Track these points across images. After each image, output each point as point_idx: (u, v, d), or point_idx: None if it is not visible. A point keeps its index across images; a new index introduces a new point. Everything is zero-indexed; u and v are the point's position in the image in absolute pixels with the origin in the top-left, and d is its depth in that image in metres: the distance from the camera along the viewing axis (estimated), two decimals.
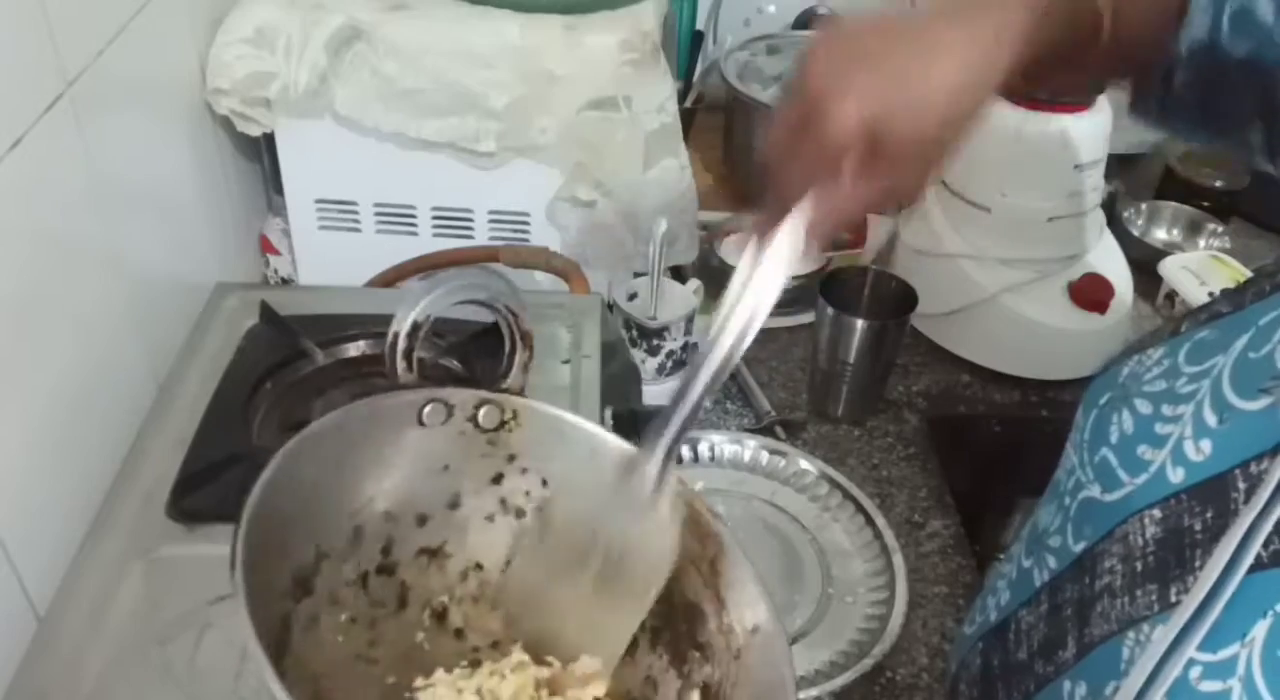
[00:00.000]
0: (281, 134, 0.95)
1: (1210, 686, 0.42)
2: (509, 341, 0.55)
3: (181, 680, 0.60)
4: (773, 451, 0.95)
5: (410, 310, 0.50)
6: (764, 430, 0.98)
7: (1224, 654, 0.42)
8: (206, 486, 0.70)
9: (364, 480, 0.51)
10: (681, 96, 1.30)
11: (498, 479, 0.54)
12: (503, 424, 0.54)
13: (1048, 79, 0.56)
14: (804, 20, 1.39)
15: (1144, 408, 0.51)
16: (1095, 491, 0.53)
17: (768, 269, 0.52)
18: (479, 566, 0.55)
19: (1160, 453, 0.49)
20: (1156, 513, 0.48)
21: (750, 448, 0.95)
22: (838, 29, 0.51)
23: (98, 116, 0.72)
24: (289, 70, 0.90)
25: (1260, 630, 0.41)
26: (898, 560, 0.85)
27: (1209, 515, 0.45)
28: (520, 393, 0.55)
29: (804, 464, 0.93)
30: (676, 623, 0.52)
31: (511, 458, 0.54)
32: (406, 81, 0.90)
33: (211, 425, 0.76)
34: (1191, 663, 0.43)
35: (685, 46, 1.37)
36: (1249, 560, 0.42)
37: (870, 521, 0.88)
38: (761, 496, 0.92)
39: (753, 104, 1.20)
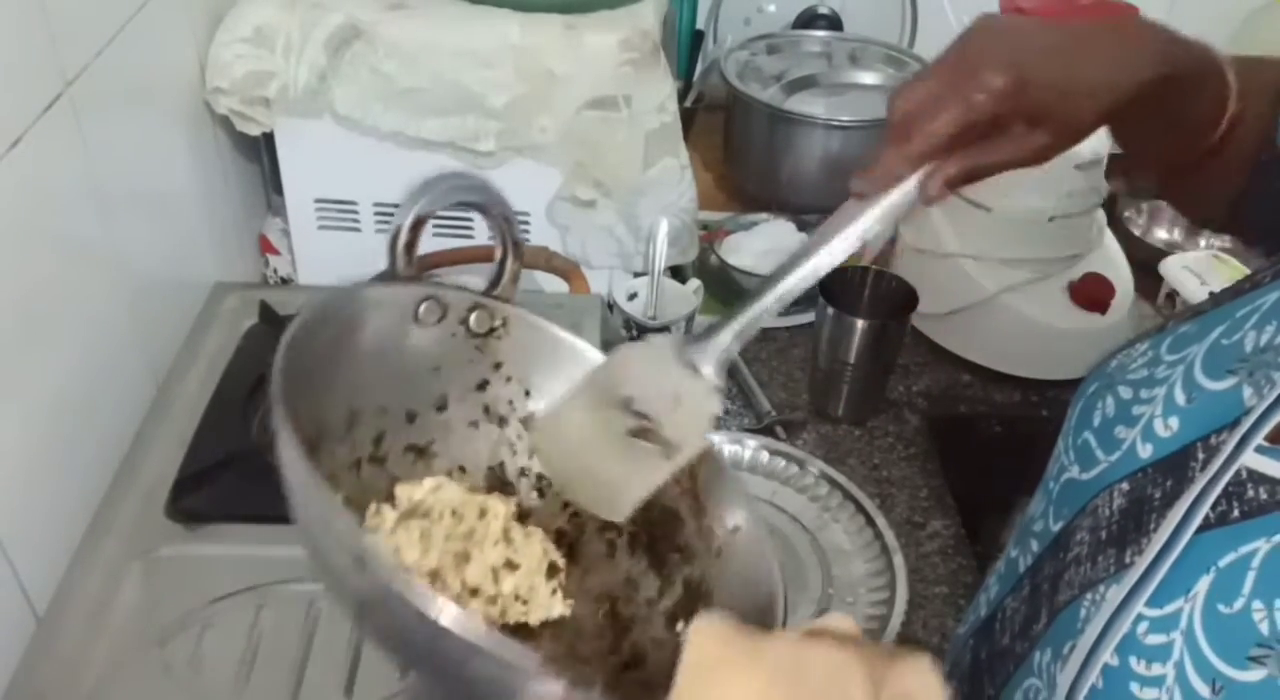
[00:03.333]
0: (281, 133, 0.95)
1: (1155, 640, 0.44)
2: (500, 249, 0.55)
3: (181, 680, 0.60)
4: (773, 451, 0.95)
5: (413, 205, 0.51)
6: (764, 430, 0.98)
7: (1169, 608, 0.44)
8: (206, 486, 0.70)
9: (362, 366, 0.51)
10: (681, 96, 1.29)
11: (482, 386, 0.55)
12: (492, 330, 0.55)
13: (1171, 146, 0.60)
14: (804, 19, 1.39)
15: (1125, 393, 0.53)
16: (1075, 472, 0.55)
17: (873, 212, 0.51)
18: (462, 469, 0.55)
19: (1133, 431, 0.51)
20: (1125, 485, 0.50)
21: (750, 448, 0.95)
22: (997, 17, 0.55)
23: (97, 116, 0.72)
24: (288, 70, 0.90)
25: (1203, 585, 0.44)
26: (898, 561, 0.85)
27: (1169, 484, 0.48)
28: (509, 302, 0.55)
29: (804, 464, 0.93)
30: (653, 528, 0.53)
31: (497, 365, 0.55)
32: (406, 81, 0.90)
33: (211, 425, 0.76)
34: (1139, 618, 0.45)
35: (685, 46, 1.37)
36: (1197, 522, 0.45)
37: (871, 522, 0.88)
38: (762, 496, 0.92)
39: (753, 103, 1.20)
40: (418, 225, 0.52)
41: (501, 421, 0.56)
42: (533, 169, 0.94)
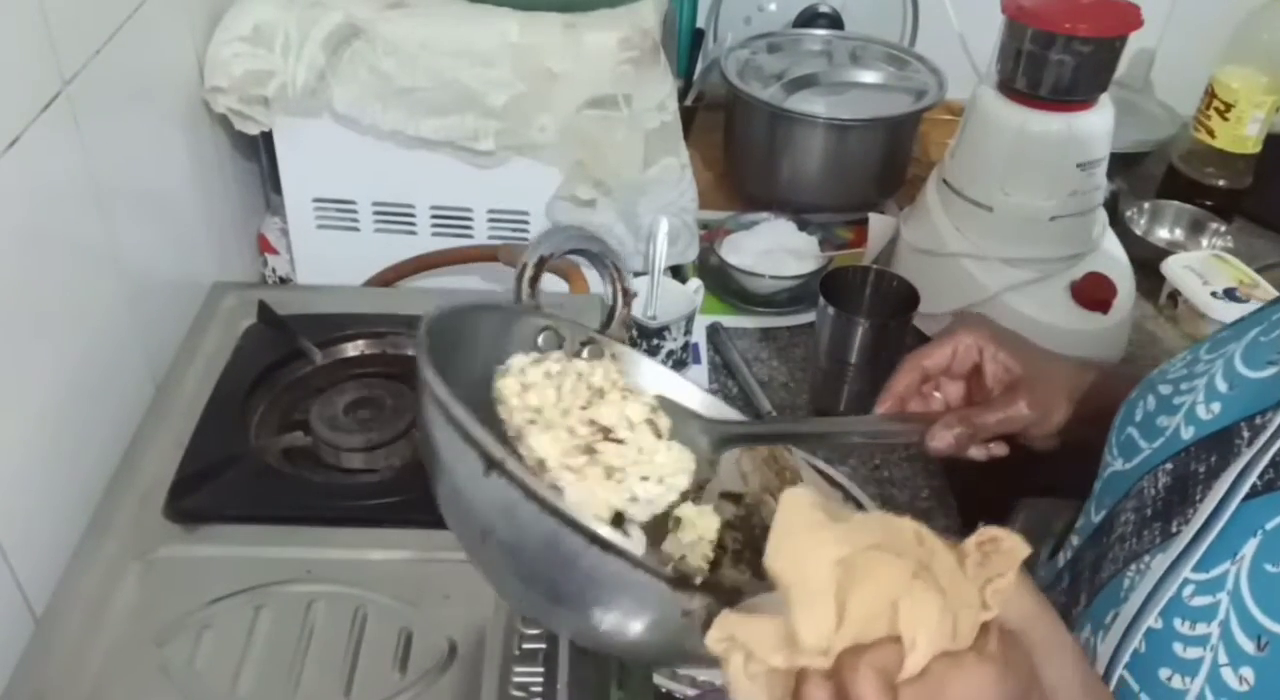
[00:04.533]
0: (280, 132, 0.95)
1: (1200, 601, 0.46)
2: (612, 296, 0.60)
3: (179, 681, 0.60)
4: None
5: (539, 247, 0.57)
6: None
7: (1215, 572, 0.46)
8: (204, 487, 0.70)
9: (482, 378, 0.53)
10: (682, 95, 1.29)
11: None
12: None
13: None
14: (805, 18, 1.39)
15: (1165, 390, 0.57)
16: (1118, 466, 0.57)
17: (882, 425, 0.72)
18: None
19: (1175, 418, 0.54)
20: (1169, 465, 0.52)
21: None
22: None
23: (95, 115, 0.72)
24: (287, 68, 0.89)
25: (1250, 548, 0.46)
26: None
27: (1213, 459, 0.50)
28: (623, 340, 0.59)
29: (804, 464, 0.93)
30: (758, 544, 0.53)
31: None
32: (405, 80, 0.89)
33: (209, 425, 0.75)
34: (1185, 583, 0.47)
35: (685, 44, 1.37)
36: (1245, 490, 0.47)
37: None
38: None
39: (753, 102, 1.20)
40: (541, 263, 0.57)
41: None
42: (532, 168, 0.94)
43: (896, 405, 0.70)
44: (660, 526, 0.53)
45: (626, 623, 0.42)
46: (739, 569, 0.54)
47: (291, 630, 0.63)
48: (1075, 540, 0.59)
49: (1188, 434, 0.53)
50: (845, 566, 0.37)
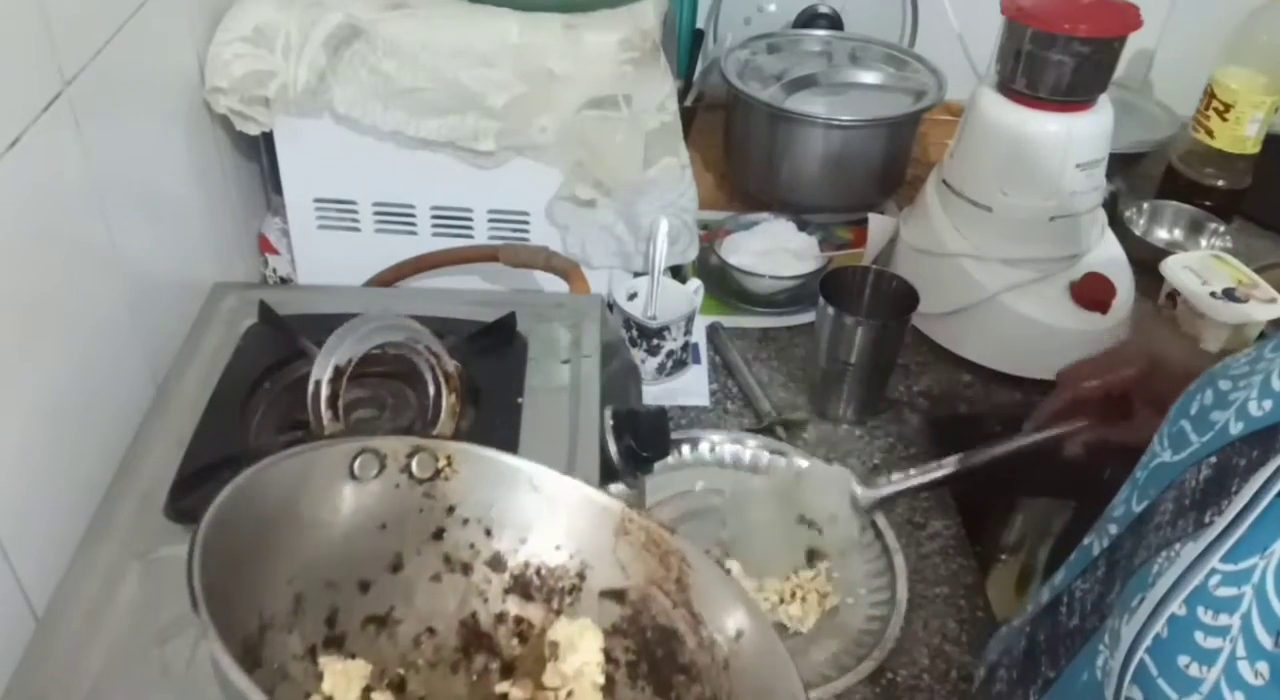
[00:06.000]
0: (280, 133, 0.95)
1: (1225, 592, 0.46)
2: (433, 386, 0.53)
3: (180, 681, 0.60)
4: (773, 451, 0.94)
5: (330, 356, 0.49)
6: (764, 430, 0.98)
7: (1244, 564, 0.46)
8: (205, 487, 0.70)
9: (299, 542, 0.47)
10: (682, 95, 1.29)
11: (439, 534, 0.52)
12: (438, 472, 0.51)
13: None
14: (804, 18, 1.39)
15: (1225, 385, 0.57)
16: (1166, 457, 0.57)
17: (1028, 440, 0.87)
18: (430, 631, 0.51)
19: (1227, 413, 0.54)
20: (1213, 459, 0.52)
21: (750, 448, 0.95)
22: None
23: (96, 115, 0.72)
24: (288, 69, 0.89)
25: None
26: (899, 561, 0.85)
27: (1255, 453, 0.50)
28: (450, 438, 0.53)
29: (805, 464, 0.93)
30: (652, 651, 0.50)
31: (450, 509, 0.52)
32: (405, 80, 0.90)
33: (210, 425, 0.75)
34: (1212, 572, 0.47)
35: (685, 45, 1.37)
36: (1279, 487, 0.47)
37: (871, 522, 0.88)
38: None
39: (753, 103, 1.20)
40: (338, 377, 0.49)
41: (466, 569, 0.52)
42: (532, 169, 0.94)
43: (1049, 419, 0.83)
44: (534, 656, 0.49)
45: None
46: (637, 688, 0.49)
47: None
48: (1113, 529, 0.59)
49: (1236, 429, 0.52)
50: None
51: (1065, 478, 1.05)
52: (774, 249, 1.14)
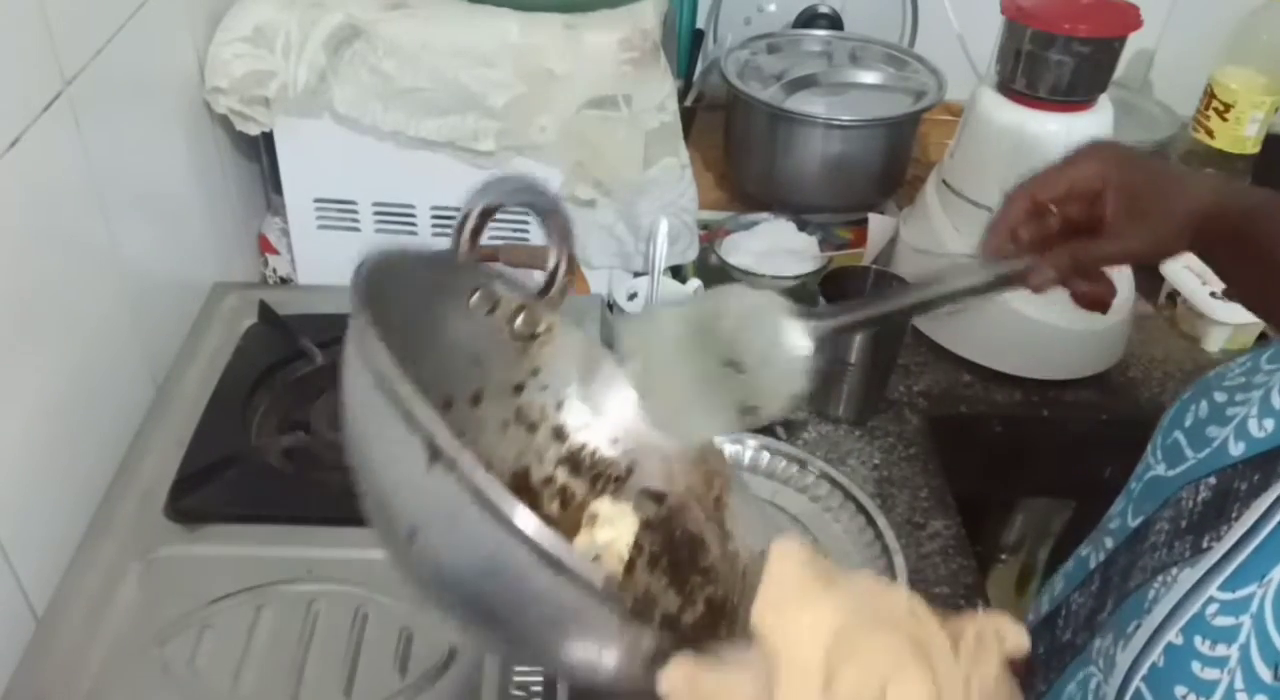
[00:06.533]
0: (280, 133, 0.95)
1: (1223, 621, 0.45)
2: (555, 257, 0.56)
3: (180, 680, 0.60)
4: (773, 451, 0.94)
5: (484, 196, 0.53)
6: (764, 430, 0.98)
7: (1242, 593, 0.45)
8: (205, 486, 0.70)
9: (412, 336, 0.50)
10: (682, 95, 1.29)
11: (518, 389, 0.54)
12: (535, 336, 0.54)
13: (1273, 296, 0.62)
14: (804, 18, 1.39)
15: (1220, 398, 0.55)
16: (1160, 471, 0.56)
17: (985, 271, 0.61)
18: (488, 467, 0.55)
19: (1225, 430, 0.52)
20: (1212, 480, 0.51)
21: (750, 448, 0.95)
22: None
23: (96, 116, 0.72)
24: (288, 69, 0.89)
25: (1278, 572, 0.44)
26: (899, 561, 0.85)
27: (1256, 478, 0.48)
28: (557, 311, 0.55)
29: (804, 464, 0.93)
30: (677, 550, 0.52)
31: (535, 371, 0.55)
32: (405, 80, 0.90)
33: (210, 425, 0.76)
34: (1210, 601, 0.46)
35: (685, 45, 1.37)
36: None
37: (871, 522, 0.88)
38: (762, 497, 0.92)
39: (753, 103, 1.20)
40: (485, 214, 0.52)
41: (531, 428, 0.54)
42: (532, 169, 0.94)
43: (1004, 238, 0.63)
44: (570, 523, 0.52)
45: (568, 651, 0.38)
46: (654, 575, 0.51)
47: (292, 630, 0.63)
48: (1109, 543, 0.58)
49: (1237, 450, 0.51)
50: (837, 639, 0.35)
51: (1066, 478, 1.05)
52: (774, 249, 1.14)
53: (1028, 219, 0.63)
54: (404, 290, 0.48)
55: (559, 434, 0.55)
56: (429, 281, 0.51)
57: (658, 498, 0.54)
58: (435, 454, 0.35)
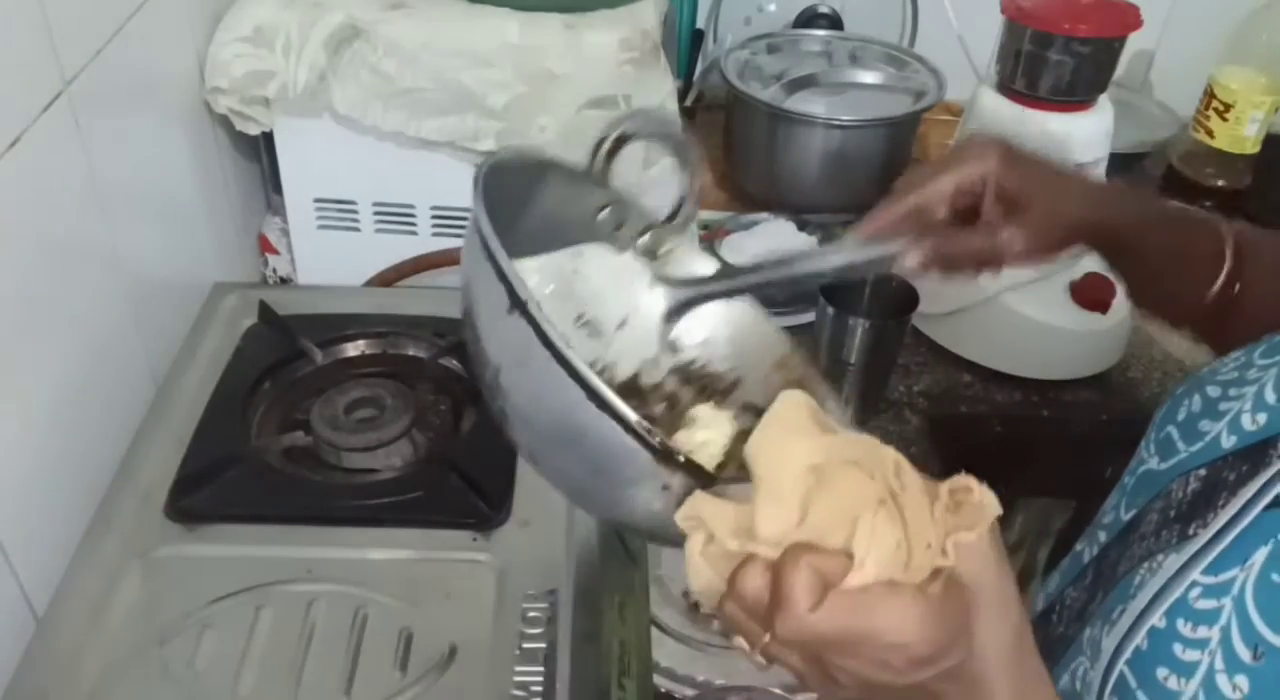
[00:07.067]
0: (280, 133, 0.95)
1: (1205, 604, 0.46)
2: (684, 186, 0.59)
3: (180, 680, 0.60)
4: None
5: (625, 123, 0.56)
6: None
7: (1224, 576, 0.46)
8: (205, 486, 0.70)
9: (542, 239, 0.53)
10: (682, 95, 1.29)
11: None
12: (656, 255, 0.58)
13: (1167, 294, 0.66)
14: (804, 18, 1.39)
15: (1213, 392, 0.56)
16: (1153, 464, 0.56)
17: (862, 251, 0.63)
18: (601, 370, 0.57)
19: (1218, 424, 0.53)
20: (1202, 471, 0.52)
21: None
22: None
23: (96, 115, 0.72)
24: (288, 69, 0.89)
25: (1260, 555, 0.45)
26: None
27: (1244, 468, 0.49)
28: (682, 233, 0.59)
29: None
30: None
31: (654, 283, 0.58)
32: (406, 80, 0.90)
33: (210, 425, 0.76)
34: (1193, 584, 0.47)
35: (685, 45, 1.37)
36: (1268, 499, 0.46)
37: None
38: None
39: (753, 103, 1.20)
40: (621, 140, 0.56)
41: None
42: None
43: (881, 228, 0.63)
44: (671, 425, 0.54)
45: (610, 486, 0.43)
46: (688, 387, 0.56)
47: (292, 630, 0.63)
48: (1103, 536, 0.59)
49: (1229, 443, 0.51)
50: (818, 474, 0.38)
51: (1066, 477, 1.05)
52: (774, 249, 1.14)
53: (907, 216, 0.63)
54: (530, 196, 0.52)
55: (674, 346, 0.58)
56: (559, 192, 0.54)
57: (757, 412, 0.55)
58: (514, 301, 0.41)
